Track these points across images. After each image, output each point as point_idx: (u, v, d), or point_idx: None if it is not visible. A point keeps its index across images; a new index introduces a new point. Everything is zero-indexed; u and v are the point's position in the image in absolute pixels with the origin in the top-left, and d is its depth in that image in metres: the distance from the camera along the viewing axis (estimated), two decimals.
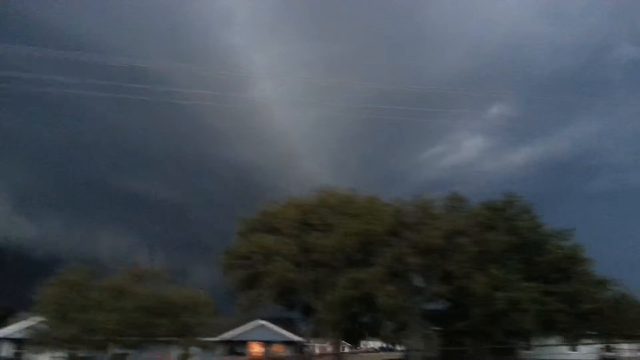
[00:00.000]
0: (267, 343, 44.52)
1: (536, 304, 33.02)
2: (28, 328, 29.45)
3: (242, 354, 43.09)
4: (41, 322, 28.21)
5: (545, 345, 39.69)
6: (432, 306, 41.56)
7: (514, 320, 32.96)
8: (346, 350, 59.47)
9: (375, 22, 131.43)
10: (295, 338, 44.82)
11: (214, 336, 39.92)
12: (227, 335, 42.62)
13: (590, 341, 39.46)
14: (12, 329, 37.33)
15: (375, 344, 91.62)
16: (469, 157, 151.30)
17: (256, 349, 44.28)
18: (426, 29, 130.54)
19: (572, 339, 38.15)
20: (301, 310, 42.52)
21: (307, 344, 50.55)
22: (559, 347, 40.79)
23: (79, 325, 26.62)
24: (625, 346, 42.93)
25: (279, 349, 44.47)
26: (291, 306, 42.50)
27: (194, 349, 34.04)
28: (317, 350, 61.61)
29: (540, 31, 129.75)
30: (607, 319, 35.25)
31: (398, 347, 74.35)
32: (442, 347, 40.71)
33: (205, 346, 35.02)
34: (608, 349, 44.12)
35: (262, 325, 44.11)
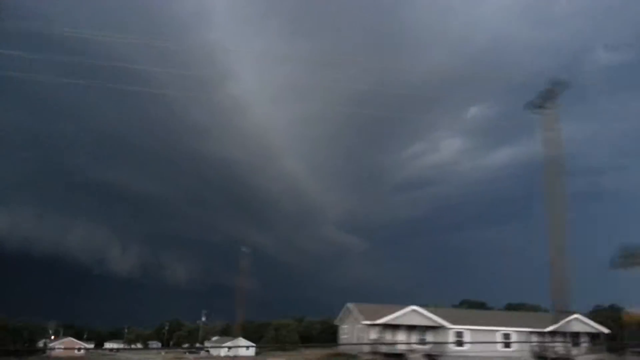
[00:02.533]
0: None
1: None
2: None
3: None
4: None
5: None
6: None
7: None
8: None
9: (358, 20, 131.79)
10: None
11: None
12: None
13: None
14: None
15: None
16: (448, 156, 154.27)
17: None
18: (410, 28, 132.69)
19: None
20: None
21: None
22: None
23: None
24: None
25: None
26: None
27: None
28: None
29: (522, 33, 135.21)
30: None
31: None
32: None
33: None
34: None
35: None
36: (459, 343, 46.52)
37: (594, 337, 48.39)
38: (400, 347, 43.34)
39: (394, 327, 44.65)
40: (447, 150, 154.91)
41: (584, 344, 48.52)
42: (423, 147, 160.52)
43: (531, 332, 47.97)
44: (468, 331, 47.22)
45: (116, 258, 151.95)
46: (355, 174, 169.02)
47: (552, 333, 46.90)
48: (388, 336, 44.85)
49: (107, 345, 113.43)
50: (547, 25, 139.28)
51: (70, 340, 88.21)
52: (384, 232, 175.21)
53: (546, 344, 47.42)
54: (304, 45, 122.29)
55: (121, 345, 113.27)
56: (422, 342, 45.61)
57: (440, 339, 46.13)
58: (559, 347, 46.93)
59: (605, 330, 47.99)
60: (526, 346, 47.26)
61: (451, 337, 46.70)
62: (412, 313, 44.66)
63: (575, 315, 47.66)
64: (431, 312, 45.82)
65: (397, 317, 44.11)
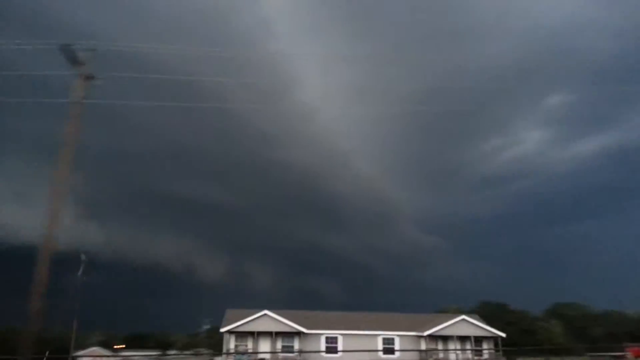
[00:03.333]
0: None
1: None
2: None
3: None
4: None
5: None
6: None
7: None
8: None
9: (420, 14, 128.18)
10: None
11: None
12: None
13: None
14: None
15: None
16: (531, 148, 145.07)
17: None
18: (475, 18, 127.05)
19: None
20: None
21: None
22: None
23: None
24: None
25: None
26: None
27: None
28: None
29: (598, 16, 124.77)
30: None
31: None
32: None
33: None
34: None
35: None
36: (330, 349, 42.15)
37: (486, 341, 41.71)
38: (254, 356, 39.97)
39: (244, 334, 41.27)
40: (529, 142, 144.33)
41: (484, 351, 42.07)
42: (502, 141, 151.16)
43: (419, 337, 42.42)
44: (341, 336, 42.72)
45: (201, 267, 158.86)
46: (431, 172, 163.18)
47: (432, 337, 41.31)
48: (245, 344, 41.62)
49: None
50: (622, 5, 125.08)
51: (94, 350, 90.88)
52: (466, 231, 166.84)
53: (436, 351, 41.82)
54: (366, 45, 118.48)
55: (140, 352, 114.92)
56: (288, 350, 41.91)
57: (308, 345, 42.10)
58: (447, 353, 41.29)
59: (502, 334, 41.19)
60: (411, 353, 41.94)
61: (322, 344, 42.49)
62: (264, 317, 40.98)
63: (463, 317, 41.70)
64: (285, 317, 41.77)
65: (247, 323, 40.66)
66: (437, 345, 41.91)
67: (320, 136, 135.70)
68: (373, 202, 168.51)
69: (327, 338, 42.66)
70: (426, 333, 40.76)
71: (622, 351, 60.79)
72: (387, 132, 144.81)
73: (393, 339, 42.69)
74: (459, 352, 41.41)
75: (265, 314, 40.93)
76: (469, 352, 41.82)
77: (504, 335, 41.01)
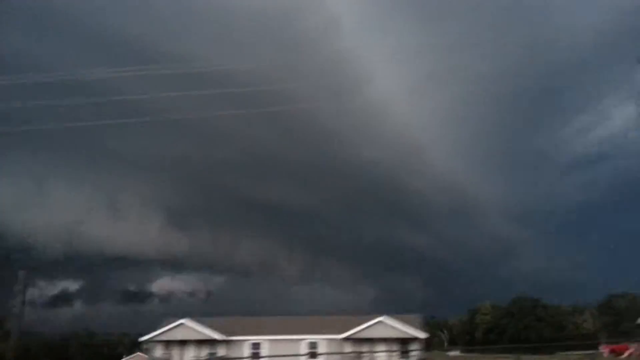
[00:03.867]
0: None
1: None
2: None
3: None
4: None
5: None
6: None
7: None
8: None
9: None
10: None
11: None
12: None
13: None
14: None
15: None
16: (622, 126, 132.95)
17: None
18: None
19: None
20: None
21: None
22: None
23: None
24: None
25: None
26: None
27: None
28: None
29: None
30: None
31: None
32: None
33: None
34: None
35: None
36: (254, 355, 41.83)
37: (404, 343, 40.33)
38: None
39: (165, 343, 41.50)
40: (620, 119, 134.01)
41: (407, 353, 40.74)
42: (590, 119, 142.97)
43: (344, 340, 41.50)
44: (266, 342, 42.30)
45: (283, 267, 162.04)
46: (513, 158, 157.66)
47: (351, 340, 40.41)
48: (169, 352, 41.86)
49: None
50: None
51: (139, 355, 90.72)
52: (554, 219, 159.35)
53: (360, 354, 40.88)
54: (436, 32, 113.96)
55: None
56: (212, 357, 41.90)
57: (233, 352, 41.97)
58: (372, 356, 40.34)
59: (421, 335, 39.80)
60: (333, 357, 41.08)
61: (247, 350, 42.24)
62: (182, 327, 41.11)
63: (380, 318, 40.59)
64: (207, 324, 41.74)
65: (162, 333, 40.91)
66: (360, 348, 40.97)
67: (394, 131, 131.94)
68: (453, 194, 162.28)
69: (252, 344, 42.39)
70: (343, 336, 39.90)
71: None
72: (466, 118, 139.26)
73: (316, 343, 41.97)
74: (380, 354, 40.29)
75: (182, 324, 41.10)
76: (393, 355, 40.60)
77: (423, 336, 39.66)
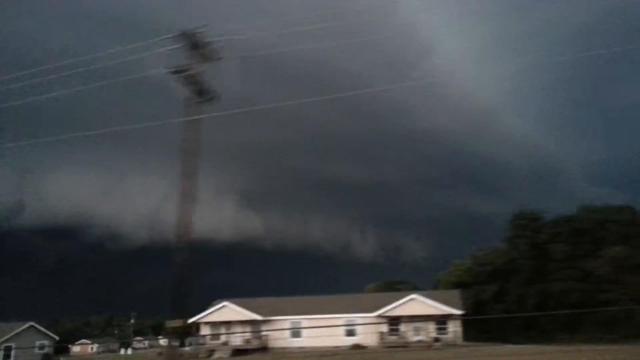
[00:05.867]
0: None
1: None
2: None
3: None
4: None
5: None
6: None
7: None
8: None
9: None
10: None
11: None
12: None
13: None
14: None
15: None
16: None
17: None
18: None
19: None
20: None
21: None
22: None
23: None
24: None
25: None
26: None
27: None
28: None
29: None
30: None
31: None
32: None
33: None
34: None
35: None
36: (295, 334, 43.58)
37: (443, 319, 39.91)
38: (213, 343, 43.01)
39: (211, 324, 44.29)
40: None
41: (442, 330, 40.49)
42: None
43: (379, 317, 42.01)
44: (306, 321, 43.80)
45: (356, 244, 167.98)
46: (594, 119, 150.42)
47: (384, 317, 40.82)
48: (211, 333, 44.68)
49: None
50: None
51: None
52: None
53: (396, 332, 41.36)
54: None
55: None
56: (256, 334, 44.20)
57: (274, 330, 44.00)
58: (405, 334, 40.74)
59: (457, 312, 39.22)
60: (370, 335, 41.82)
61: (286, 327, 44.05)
62: (225, 309, 43.60)
63: (412, 296, 40.58)
64: (248, 305, 43.92)
65: (207, 315, 43.67)
66: (397, 325, 41.32)
67: (461, 99, 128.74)
68: (528, 159, 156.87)
69: (292, 323, 44.08)
70: (376, 313, 40.40)
71: None
72: (539, 82, 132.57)
73: (354, 321, 42.80)
74: (417, 332, 40.41)
75: (224, 306, 43.63)
76: (431, 332, 40.52)
77: (459, 312, 39.13)
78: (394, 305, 40.17)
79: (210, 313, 43.77)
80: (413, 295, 40.31)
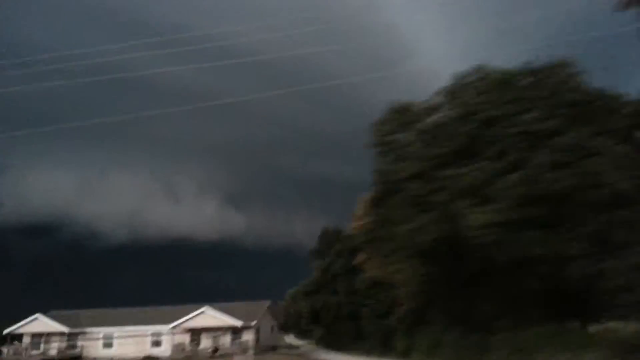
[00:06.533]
0: None
1: None
2: None
3: None
4: None
5: None
6: None
7: None
8: None
9: None
10: None
11: None
12: None
13: None
14: None
15: None
16: None
17: None
18: None
19: None
20: None
21: None
22: None
23: None
24: None
25: None
26: None
27: None
28: None
29: None
30: None
31: None
32: None
33: None
34: None
35: None
36: (106, 345, 46.99)
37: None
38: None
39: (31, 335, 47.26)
40: None
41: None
42: None
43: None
44: (117, 332, 47.30)
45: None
46: None
47: (179, 328, 44.86)
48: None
49: None
50: None
51: None
52: None
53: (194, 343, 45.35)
54: None
55: None
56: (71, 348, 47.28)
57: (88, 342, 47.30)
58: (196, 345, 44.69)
59: (238, 323, 43.82)
60: (171, 345, 45.71)
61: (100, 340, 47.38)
62: (37, 322, 46.68)
63: (204, 309, 44.79)
64: (61, 318, 47.15)
65: (19, 327, 46.62)
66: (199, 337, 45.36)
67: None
68: None
69: (104, 335, 47.50)
70: (171, 325, 44.40)
71: None
72: None
73: (160, 333, 46.52)
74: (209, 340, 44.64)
75: (36, 319, 46.75)
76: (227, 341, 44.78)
77: (239, 324, 43.68)
78: (186, 317, 44.36)
79: (24, 325, 46.74)
80: (204, 309, 44.63)
